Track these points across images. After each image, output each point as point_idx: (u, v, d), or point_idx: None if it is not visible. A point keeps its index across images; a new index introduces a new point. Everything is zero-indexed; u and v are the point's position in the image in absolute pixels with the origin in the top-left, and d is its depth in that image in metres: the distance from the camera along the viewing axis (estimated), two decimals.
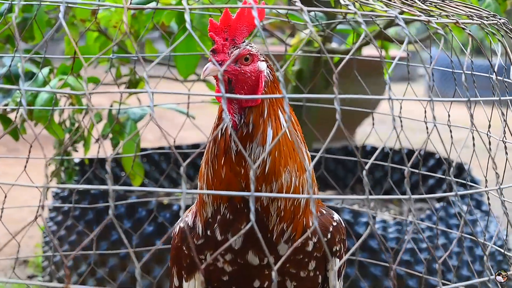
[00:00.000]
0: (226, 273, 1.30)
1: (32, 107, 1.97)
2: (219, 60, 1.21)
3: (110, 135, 2.20)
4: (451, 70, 1.43)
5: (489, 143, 1.44)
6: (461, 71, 1.16)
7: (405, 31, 1.05)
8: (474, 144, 1.49)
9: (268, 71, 1.27)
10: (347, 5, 1.04)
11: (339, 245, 1.35)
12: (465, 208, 2.30)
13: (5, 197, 1.71)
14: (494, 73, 1.15)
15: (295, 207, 1.27)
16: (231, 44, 1.23)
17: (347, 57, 1.02)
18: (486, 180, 1.59)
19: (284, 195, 1.22)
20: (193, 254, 1.25)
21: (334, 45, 3.17)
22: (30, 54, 1.81)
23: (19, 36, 1.93)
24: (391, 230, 2.30)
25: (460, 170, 2.80)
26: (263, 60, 1.26)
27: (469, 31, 1.32)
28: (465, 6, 1.31)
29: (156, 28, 2.03)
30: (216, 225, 1.27)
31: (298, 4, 1.02)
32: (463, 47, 1.25)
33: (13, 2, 1.46)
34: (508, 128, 1.32)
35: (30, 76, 2.11)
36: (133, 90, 1.91)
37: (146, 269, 2.17)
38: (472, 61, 1.47)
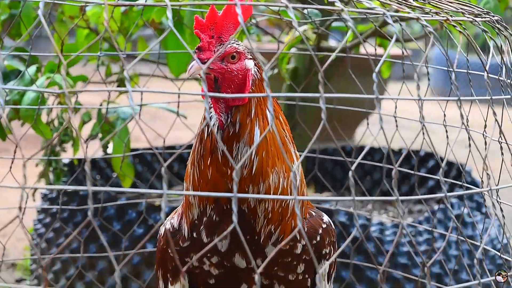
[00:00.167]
0: (213, 276, 1.30)
1: (18, 106, 1.98)
2: (205, 58, 1.21)
3: (100, 135, 2.20)
4: (445, 68, 1.43)
5: (485, 143, 1.45)
6: (455, 70, 1.16)
7: (393, 29, 1.05)
8: (470, 145, 1.50)
9: (256, 70, 1.27)
10: (334, 1, 1.04)
11: (328, 248, 1.35)
12: (464, 210, 2.30)
13: None
14: (485, 72, 1.16)
15: (283, 209, 1.27)
16: (218, 41, 1.24)
17: (333, 55, 1.02)
18: (482, 181, 1.59)
19: (269, 196, 1.23)
20: (175, 257, 1.26)
21: (333, 43, 3.18)
22: (9, 52, 1.81)
23: (5, 33, 1.94)
24: (388, 233, 2.31)
25: (460, 171, 2.80)
26: (250, 58, 1.27)
27: (464, 28, 1.33)
28: (458, 3, 1.31)
29: (154, 25, 2.03)
30: (202, 227, 1.28)
31: (284, 1, 1.03)
32: (457, 44, 1.26)
33: None
34: (500, 127, 1.33)
35: (17, 74, 2.12)
36: (116, 88, 1.92)
37: (135, 272, 2.18)
38: (467, 59, 1.47)
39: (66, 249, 2.29)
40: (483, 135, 1.50)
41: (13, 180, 1.73)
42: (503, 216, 1.50)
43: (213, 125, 1.26)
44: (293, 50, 2.24)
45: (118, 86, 2.20)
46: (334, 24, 2.25)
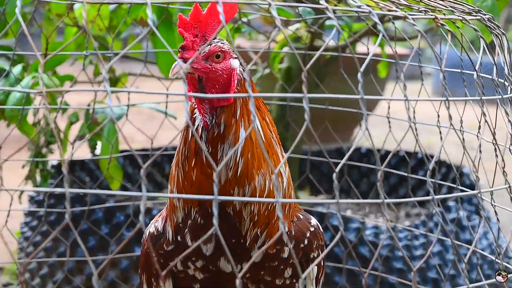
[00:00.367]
0: (198, 281, 1.30)
1: (4, 106, 1.98)
2: (189, 58, 1.22)
3: (87, 136, 2.21)
4: (438, 68, 1.44)
5: (480, 144, 1.45)
6: (445, 69, 1.17)
7: (378, 27, 1.06)
8: (464, 147, 1.50)
9: (241, 69, 1.28)
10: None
11: (317, 252, 1.36)
12: (461, 213, 2.31)
13: None
14: (475, 71, 1.16)
15: (270, 212, 1.27)
16: (202, 40, 1.24)
17: (317, 53, 1.03)
18: (477, 184, 1.59)
19: (250, 198, 1.23)
20: (154, 260, 1.26)
21: (331, 42, 3.18)
22: None
23: None
24: (383, 237, 2.31)
25: (460, 174, 2.80)
26: (235, 58, 1.27)
27: (458, 27, 1.33)
28: (449, 2, 1.32)
29: (143, 23, 2.04)
30: (186, 230, 1.28)
31: None
32: (450, 42, 1.26)
33: None
34: (494, 128, 1.33)
35: (4, 73, 2.13)
36: (98, 88, 1.92)
37: (123, 277, 2.18)
38: (461, 58, 1.48)
39: (53, 253, 2.29)
40: (477, 136, 1.51)
41: (8, 183, 1.73)
42: (497, 219, 1.50)
43: (197, 126, 1.26)
44: (286, 49, 2.24)
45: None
46: (328, 22, 2.25)
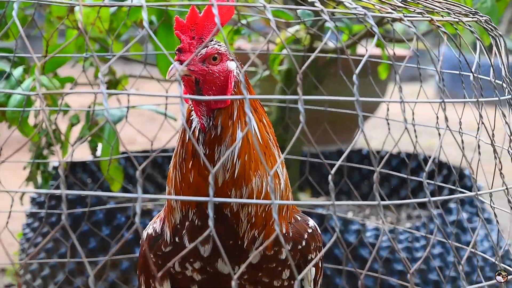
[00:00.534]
0: (195, 282, 1.31)
1: (5, 108, 1.99)
2: (185, 60, 1.22)
3: (88, 138, 2.21)
4: (433, 69, 1.44)
5: (478, 146, 1.45)
6: (443, 71, 1.17)
7: (374, 29, 1.06)
8: (463, 148, 1.50)
9: (238, 71, 1.28)
10: (314, 1, 1.05)
11: (314, 253, 1.36)
12: (459, 215, 2.30)
13: None
14: (472, 73, 1.16)
15: (267, 214, 1.28)
16: (199, 43, 1.24)
17: (312, 55, 1.03)
18: (476, 186, 1.59)
19: (246, 200, 1.23)
20: (151, 262, 1.27)
21: (330, 44, 3.18)
22: None
23: None
24: (384, 239, 2.31)
25: (461, 176, 2.80)
26: (232, 60, 1.27)
27: (456, 29, 1.33)
28: (446, 3, 1.32)
29: (142, 26, 2.05)
30: (184, 231, 1.29)
31: (261, 1, 1.03)
32: (446, 43, 1.26)
33: None
34: (492, 130, 1.33)
35: (5, 75, 2.14)
36: (93, 90, 1.92)
37: (124, 278, 2.19)
38: (460, 60, 1.48)
39: (55, 254, 2.30)
40: (476, 137, 1.50)
41: (9, 184, 1.74)
42: (497, 221, 1.50)
43: (194, 128, 1.26)
44: (286, 51, 2.25)
45: (107, 88, 2.21)
46: (328, 24, 2.25)
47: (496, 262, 1.49)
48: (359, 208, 2.82)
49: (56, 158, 2.41)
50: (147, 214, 2.21)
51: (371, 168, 2.32)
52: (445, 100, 1.10)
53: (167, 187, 1.32)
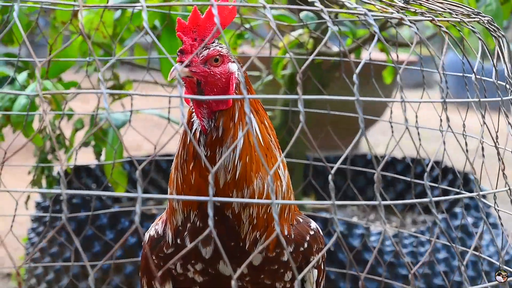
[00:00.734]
0: (197, 284, 1.30)
1: (9, 112, 2.00)
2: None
3: (93, 142, 2.22)
4: (432, 71, 1.43)
5: (482, 149, 1.44)
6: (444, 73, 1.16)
7: (374, 29, 1.06)
8: (467, 150, 1.49)
9: (239, 73, 1.28)
10: (314, 1, 1.05)
11: (316, 255, 1.35)
12: (463, 220, 2.29)
13: None
14: (473, 74, 1.16)
15: (269, 215, 1.27)
16: (201, 44, 1.24)
17: (309, 58, 1.03)
18: (476, 186, 1.58)
19: (246, 200, 1.23)
20: (152, 263, 1.26)
21: (335, 48, 3.18)
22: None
23: None
24: (388, 243, 2.30)
25: (467, 181, 2.78)
26: (233, 62, 1.28)
27: (459, 30, 1.33)
28: (448, 3, 1.32)
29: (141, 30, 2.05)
30: (186, 233, 1.28)
31: (261, 1, 1.03)
32: (448, 42, 1.26)
33: None
34: (495, 132, 1.32)
35: (10, 81, 2.14)
36: (87, 90, 1.93)
37: (128, 282, 2.19)
38: (463, 62, 1.47)
39: (59, 258, 2.30)
40: (480, 140, 1.50)
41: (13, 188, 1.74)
42: (501, 224, 1.49)
43: (195, 130, 1.26)
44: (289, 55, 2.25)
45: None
46: (329, 25, 2.25)
47: (499, 265, 1.48)
48: (363, 213, 2.81)
49: (59, 162, 2.41)
50: (151, 219, 2.21)
51: (376, 171, 2.31)
52: (447, 100, 1.09)
53: (168, 189, 1.32)
